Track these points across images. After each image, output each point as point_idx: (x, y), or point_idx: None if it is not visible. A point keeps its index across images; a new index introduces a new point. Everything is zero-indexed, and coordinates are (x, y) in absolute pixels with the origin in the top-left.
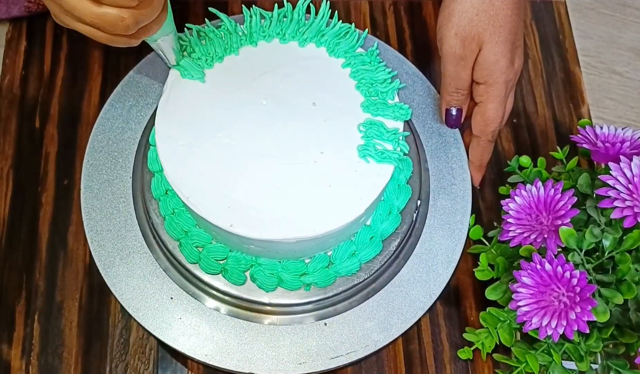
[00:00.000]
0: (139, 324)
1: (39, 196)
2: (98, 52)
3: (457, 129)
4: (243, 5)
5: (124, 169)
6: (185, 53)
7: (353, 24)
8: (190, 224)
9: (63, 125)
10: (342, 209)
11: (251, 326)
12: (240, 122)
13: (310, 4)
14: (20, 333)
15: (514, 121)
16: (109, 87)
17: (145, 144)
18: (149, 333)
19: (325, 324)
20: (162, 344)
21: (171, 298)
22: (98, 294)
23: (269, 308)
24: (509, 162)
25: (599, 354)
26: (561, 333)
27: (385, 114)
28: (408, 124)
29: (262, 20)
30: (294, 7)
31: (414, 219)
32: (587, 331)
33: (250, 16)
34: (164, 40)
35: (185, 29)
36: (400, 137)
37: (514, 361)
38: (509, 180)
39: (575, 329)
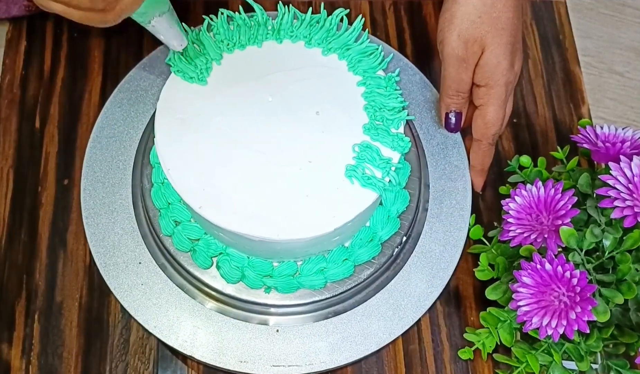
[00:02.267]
0: (139, 324)
1: (39, 196)
2: (98, 52)
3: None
4: (280, 2)
5: (124, 169)
6: (211, 34)
7: (380, 46)
8: (185, 218)
9: (63, 125)
10: (312, 222)
11: (251, 327)
12: (241, 113)
13: (345, 16)
14: (20, 333)
15: (514, 120)
16: (109, 87)
17: (145, 143)
18: (149, 333)
19: (327, 324)
20: (162, 344)
21: (171, 298)
22: (98, 294)
23: (268, 309)
24: (509, 162)
25: (599, 354)
26: (561, 332)
27: (383, 142)
28: (408, 123)
29: (295, 21)
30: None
31: (413, 219)
32: (588, 331)
33: (284, 13)
34: (158, 21)
35: (219, 14)
36: (392, 168)
37: (515, 361)
38: (509, 180)
39: (576, 329)
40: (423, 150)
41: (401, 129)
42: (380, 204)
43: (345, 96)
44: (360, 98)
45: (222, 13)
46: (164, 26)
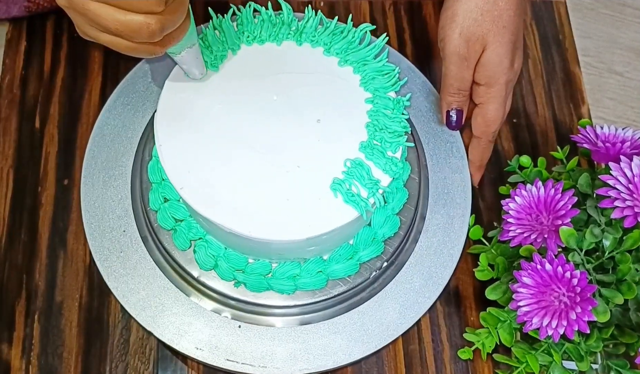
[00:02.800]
0: (139, 324)
1: (39, 196)
2: (98, 52)
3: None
4: (308, 6)
5: (124, 169)
6: (234, 23)
7: (398, 68)
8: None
9: (63, 125)
10: (286, 226)
11: (251, 327)
12: (241, 108)
13: (369, 32)
14: (20, 333)
15: (514, 120)
16: (109, 87)
17: (144, 142)
18: (149, 333)
19: (327, 325)
20: (162, 344)
21: (171, 299)
22: (98, 294)
23: (268, 309)
24: (509, 162)
25: (599, 354)
26: (562, 333)
27: (377, 162)
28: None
29: (319, 26)
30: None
31: (413, 219)
32: (588, 331)
33: (310, 17)
34: (188, 52)
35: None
36: (380, 190)
37: (514, 361)
38: (509, 180)
39: (576, 329)
40: (423, 149)
41: (398, 154)
42: (369, 224)
43: (350, 110)
44: (364, 115)
45: (249, 5)
46: (192, 56)
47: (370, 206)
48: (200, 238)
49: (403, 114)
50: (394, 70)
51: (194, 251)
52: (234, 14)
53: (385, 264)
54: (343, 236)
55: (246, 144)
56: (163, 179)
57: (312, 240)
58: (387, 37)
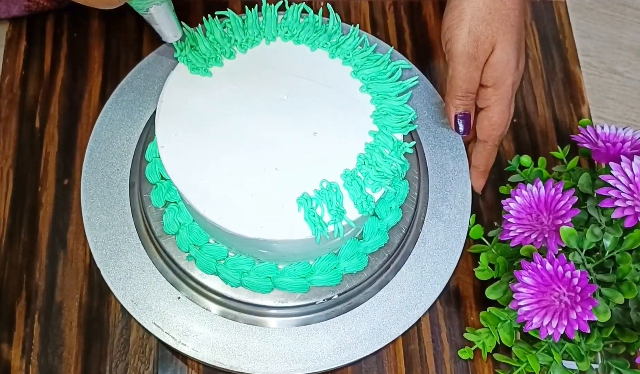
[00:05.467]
0: (139, 324)
1: (39, 196)
2: (98, 52)
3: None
4: (356, 26)
5: (124, 169)
6: (225, 29)
7: (414, 113)
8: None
9: (63, 125)
10: (247, 222)
11: (250, 327)
12: (240, 112)
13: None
14: (20, 333)
15: (514, 120)
16: (109, 87)
17: (144, 142)
18: (149, 333)
19: (326, 324)
20: (162, 344)
21: (171, 299)
22: (98, 294)
23: (268, 310)
24: (509, 161)
25: (599, 354)
26: (562, 332)
27: (352, 194)
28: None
29: (360, 47)
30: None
31: (413, 217)
32: (588, 331)
33: (352, 36)
34: (157, 10)
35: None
36: (343, 221)
37: (515, 361)
38: (509, 179)
39: (576, 329)
40: (422, 149)
41: (377, 195)
42: (359, 238)
43: (349, 135)
44: (362, 145)
45: (297, 7)
46: (161, 15)
47: (326, 233)
48: (224, 259)
49: (401, 159)
50: (409, 114)
51: (220, 274)
52: (258, 9)
53: (405, 233)
54: (298, 249)
55: (242, 145)
56: (163, 178)
57: (265, 243)
58: (418, 81)
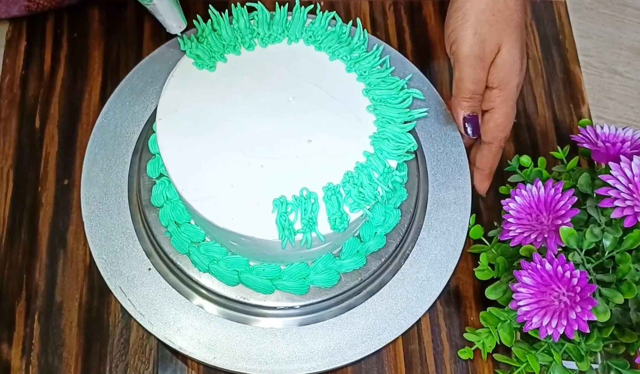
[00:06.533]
0: (139, 324)
1: (39, 196)
2: (98, 52)
3: (454, 129)
4: (382, 47)
5: (123, 168)
6: (233, 24)
7: (414, 144)
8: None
9: (63, 125)
10: (235, 218)
11: (250, 328)
12: (242, 104)
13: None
14: (20, 333)
15: (514, 120)
16: (109, 87)
17: (143, 142)
18: (149, 333)
19: (326, 324)
20: (162, 344)
21: (171, 299)
22: (98, 294)
23: (268, 310)
24: (509, 162)
25: (599, 354)
26: (561, 332)
27: (329, 209)
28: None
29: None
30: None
31: (412, 218)
32: (588, 331)
33: (373, 56)
34: (160, 0)
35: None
36: (313, 234)
37: (515, 361)
38: (509, 180)
39: (576, 329)
40: (422, 149)
41: (354, 216)
42: (336, 255)
43: (342, 152)
44: (352, 164)
45: (300, 8)
46: (165, 6)
47: (293, 240)
48: (199, 242)
49: (387, 186)
50: (409, 143)
51: (192, 256)
52: (229, 13)
53: (405, 233)
54: (269, 251)
55: (235, 136)
56: (162, 174)
57: (235, 236)
58: (427, 113)
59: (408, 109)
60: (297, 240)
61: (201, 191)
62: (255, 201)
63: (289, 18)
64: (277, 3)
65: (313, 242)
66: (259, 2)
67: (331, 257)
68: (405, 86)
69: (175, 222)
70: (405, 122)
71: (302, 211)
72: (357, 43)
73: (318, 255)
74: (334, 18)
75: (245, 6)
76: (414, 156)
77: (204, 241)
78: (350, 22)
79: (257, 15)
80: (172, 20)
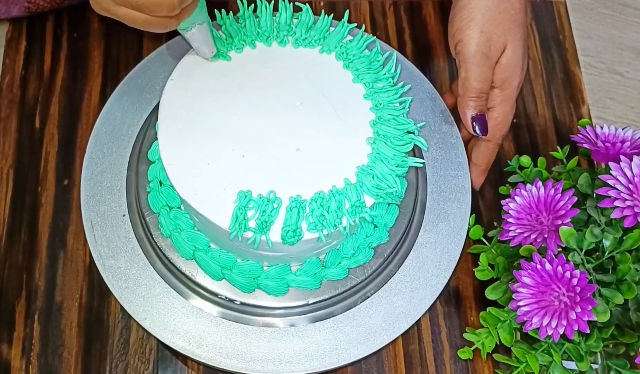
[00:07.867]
0: (138, 324)
1: (39, 196)
2: (98, 52)
3: (455, 126)
4: (395, 55)
5: (123, 169)
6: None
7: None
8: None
9: (63, 125)
10: (211, 206)
11: (250, 328)
12: (248, 102)
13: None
14: (20, 333)
15: (514, 120)
16: (109, 87)
17: (144, 142)
18: (149, 333)
19: (326, 324)
20: (162, 344)
21: (170, 299)
22: (98, 294)
23: (267, 310)
24: (509, 162)
25: (599, 354)
26: (561, 332)
27: (313, 214)
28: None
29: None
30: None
31: (411, 218)
32: (588, 331)
33: (386, 79)
34: (199, 29)
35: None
36: (262, 237)
37: (514, 361)
38: (509, 180)
39: (576, 329)
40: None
41: (310, 235)
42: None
43: (336, 159)
44: (343, 179)
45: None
46: (202, 34)
47: (241, 234)
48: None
49: (354, 221)
50: (392, 187)
51: (196, 260)
52: (255, 9)
53: (404, 232)
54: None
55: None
56: (161, 183)
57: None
58: (422, 165)
59: (405, 155)
60: (245, 236)
61: (188, 177)
62: (233, 190)
63: (332, 30)
64: (323, 11)
65: (261, 246)
66: (306, 3)
67: (317, 261)
68: (416, 132)
69: (167, 204)
70: (397, 166)
71: (261, 212)
72: (385, 74)
73: (300, 259)
74: (374, 42)
75: (292, 3)
76: (398, 203)
77: (193, 229)
78: (387, 53)
79: (301, 15)
80: (207, 46)
